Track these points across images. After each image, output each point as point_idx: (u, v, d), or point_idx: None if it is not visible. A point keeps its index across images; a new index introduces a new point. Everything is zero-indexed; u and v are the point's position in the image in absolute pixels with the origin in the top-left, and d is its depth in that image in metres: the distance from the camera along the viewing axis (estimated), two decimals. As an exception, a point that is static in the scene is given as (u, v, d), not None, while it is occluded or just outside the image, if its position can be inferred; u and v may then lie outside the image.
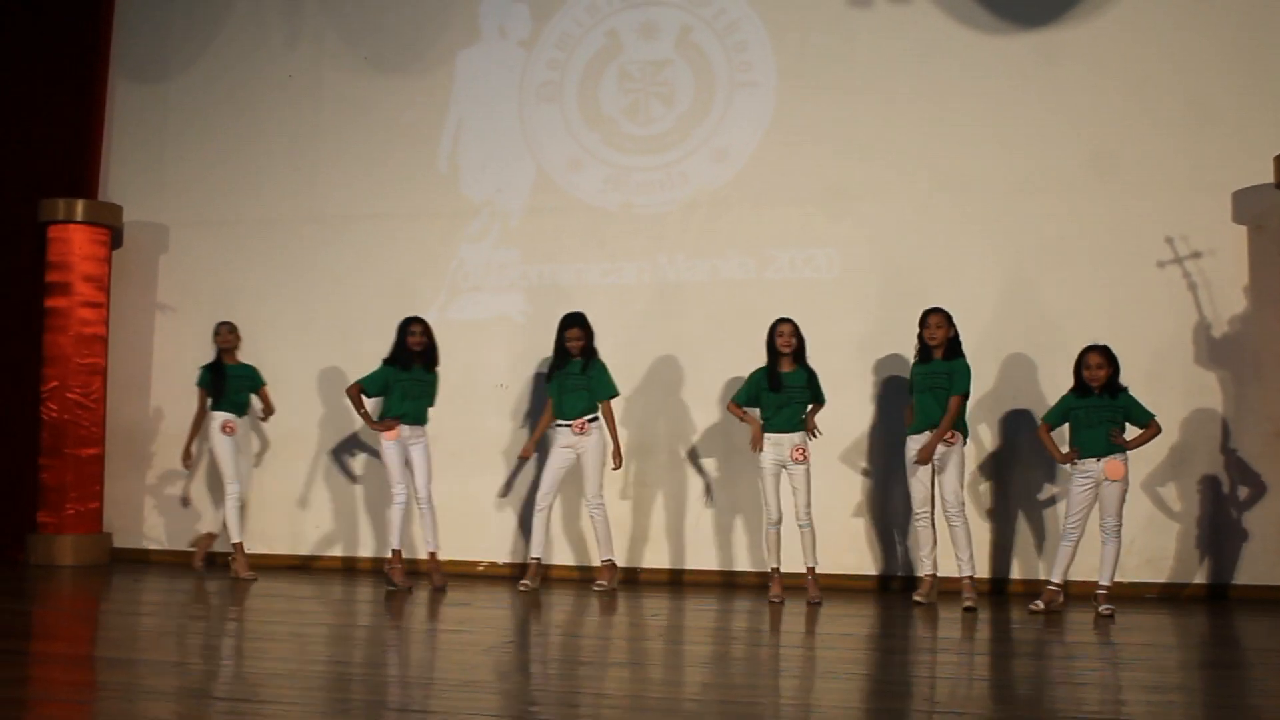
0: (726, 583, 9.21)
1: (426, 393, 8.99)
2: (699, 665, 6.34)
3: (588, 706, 5.15)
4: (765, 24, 9.77)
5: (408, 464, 8.85)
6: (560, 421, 8.73)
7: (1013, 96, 9.21)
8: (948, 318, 8.09)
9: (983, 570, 8.73)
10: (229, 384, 9.43)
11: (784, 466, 8.29)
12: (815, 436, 8.41)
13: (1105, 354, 7.75)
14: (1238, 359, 8.66)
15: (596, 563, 8.98)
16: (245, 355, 9.69)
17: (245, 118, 10.81)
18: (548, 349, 9.25)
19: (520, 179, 10.15)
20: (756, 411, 8.40)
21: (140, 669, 5.92)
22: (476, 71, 10.39)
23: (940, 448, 7.96)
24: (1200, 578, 8.57)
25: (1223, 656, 6.81)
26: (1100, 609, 7.56)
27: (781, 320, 8.35)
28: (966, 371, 8.08)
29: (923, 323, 8.14)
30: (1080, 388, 7.79)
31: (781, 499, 8.28)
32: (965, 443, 8.20)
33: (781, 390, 8.31)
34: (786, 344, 8.28)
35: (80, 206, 10.53)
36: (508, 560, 9.75)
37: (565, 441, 8.69)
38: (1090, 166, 9.00)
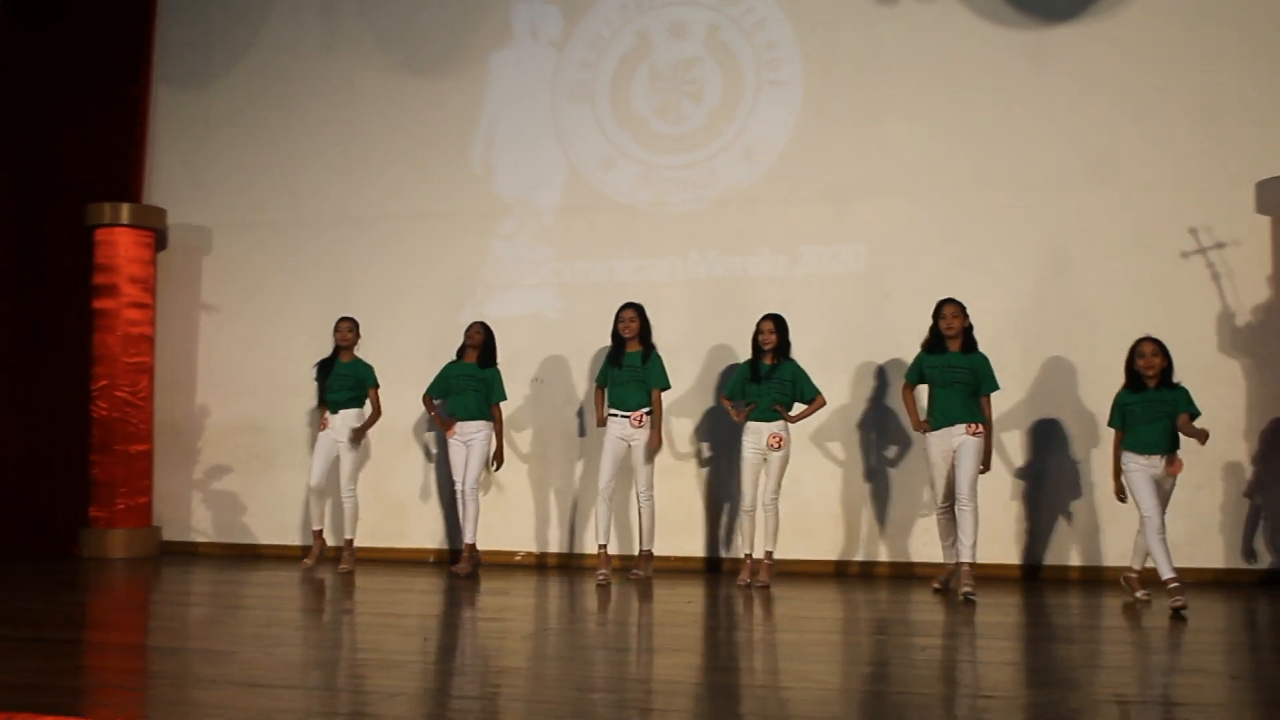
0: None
1: (479, 388, 9.14)
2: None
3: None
4: (792, 22, 9.72)
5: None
6: (616, 411, 8.65)
7: (1038, 91, 9.16)
8: (963, 309, 7.92)
9: (1013, 556, 8.83)
10: (330, 380, 9.31)
11: (764, 456, 8.27)
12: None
13: (1159, 344, 7.38)
14: (1263, 347, 8.59)
15: (634, 551, 8.98)
16: (290, 350, 9.82)
17: (283, 121, 10.84)
18: (581, 344, 9.49)
19: (553, 178, 10.14)
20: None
21: (190, 657, 5.95)
22: (509, 72, 10.38)
23: (966, 437, 7.80)
24: (1219, 562, 8.57)
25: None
26: (1173, 602, 7.05)
27: (764, 317, 8.35)
28: (990, 367, 7.92)
29: (938, 313, 7.96)
30: (1133, 382, 7.42)
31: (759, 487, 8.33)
32: (990, 430, 7.99)
33: (762, 382, 8.28)
34: (767, 340, 8.27)
35: (125, 210, 10.58)
36: (544, 550, 9.83)
37: (620, 432, 8.61)
38: (1115, 159, 8.96)
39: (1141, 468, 7.31)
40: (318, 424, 9.40)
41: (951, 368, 7.87)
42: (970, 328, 7.93)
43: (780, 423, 8.26)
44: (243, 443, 10.58)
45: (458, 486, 9.18)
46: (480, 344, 9.28)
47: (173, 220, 10.86)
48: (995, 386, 7.93)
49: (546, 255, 10.05)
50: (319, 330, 9.91)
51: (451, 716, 4.75)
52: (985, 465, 7.91)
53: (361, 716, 4.66)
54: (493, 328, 9.33)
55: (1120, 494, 7.53)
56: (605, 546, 8.64)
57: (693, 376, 9.46)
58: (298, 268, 10.47)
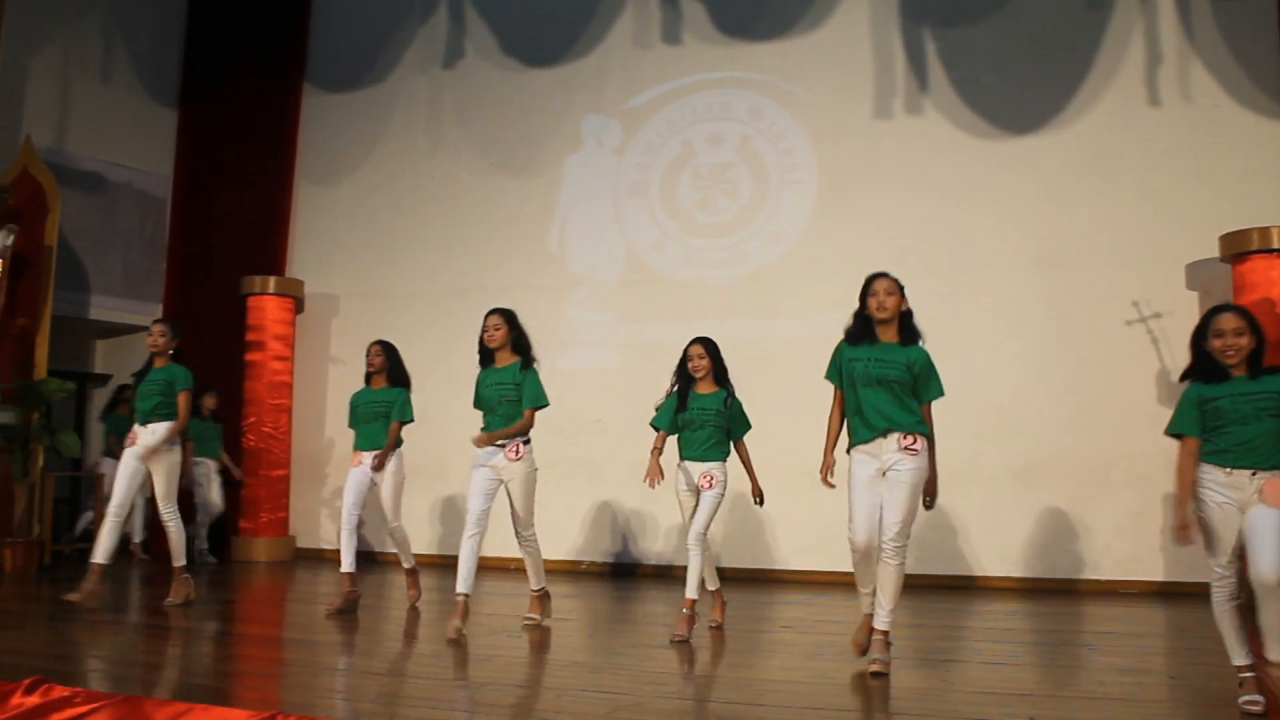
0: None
1: (387, 413, 7.38)
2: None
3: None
4: (808, 133, 9.92)
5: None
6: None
7: (1006, 187, 9.28)
8: (900, 287, 5.31)
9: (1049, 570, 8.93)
10: (140, 387, 7.35)
11: (695, 495, 6.38)
12: (757, 502, 6.48)
13: (1243, 316, 4.46)
14: None
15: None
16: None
17: (398, 210, 11.12)
18: (636, 391, 9.14)
19: (614, 257, 10.36)
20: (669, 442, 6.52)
21: (320, 649, 6.03)
22: (579, 173, 10.63)
23: (899, 456, 5.16)
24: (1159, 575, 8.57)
25: None
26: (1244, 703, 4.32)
27: (692, 341, 6.58)
28: (934, 366, 5.31)
29: (868, 291, 5.31)
30: (1209, 369, 4.47)
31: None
32: (931, 447, 5.28)
33: (689, 411, 6.40)
34: (698, 367, 6.45)
35: (272, 282, 10.95)
36: (604, 559, 10.11)
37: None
38: (1069, 244, 9.04)
39: (1226, 493, 4.30)
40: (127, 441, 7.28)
41: (883, 362, 5.21)
42: (909, 313, 5.34)
43: (716, 463, 6.35)
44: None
45: (348, 514, 7.21)
46: (382, 366, 7.46)
47: (309, 290, 11.22)
48: (940, 391, 5.30)
49: (608, 320, 10.25)
50: (424, 379, 10.21)
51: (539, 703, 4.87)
52: (930, 498, 5.29)
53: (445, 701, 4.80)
54: (564, 378, 8.97)
55: (1187, 532, 4.39)
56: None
57: None
58: (407, 329, 10.56)
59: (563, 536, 9.78)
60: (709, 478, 6.33)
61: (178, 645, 5.80)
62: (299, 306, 11.21)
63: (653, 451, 6.38)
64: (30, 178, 10.03)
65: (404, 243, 11.05)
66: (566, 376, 9.58)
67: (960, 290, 9.23)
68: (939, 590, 8.53)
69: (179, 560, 7.28)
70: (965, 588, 8.74)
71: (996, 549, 8.96)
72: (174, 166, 11.95)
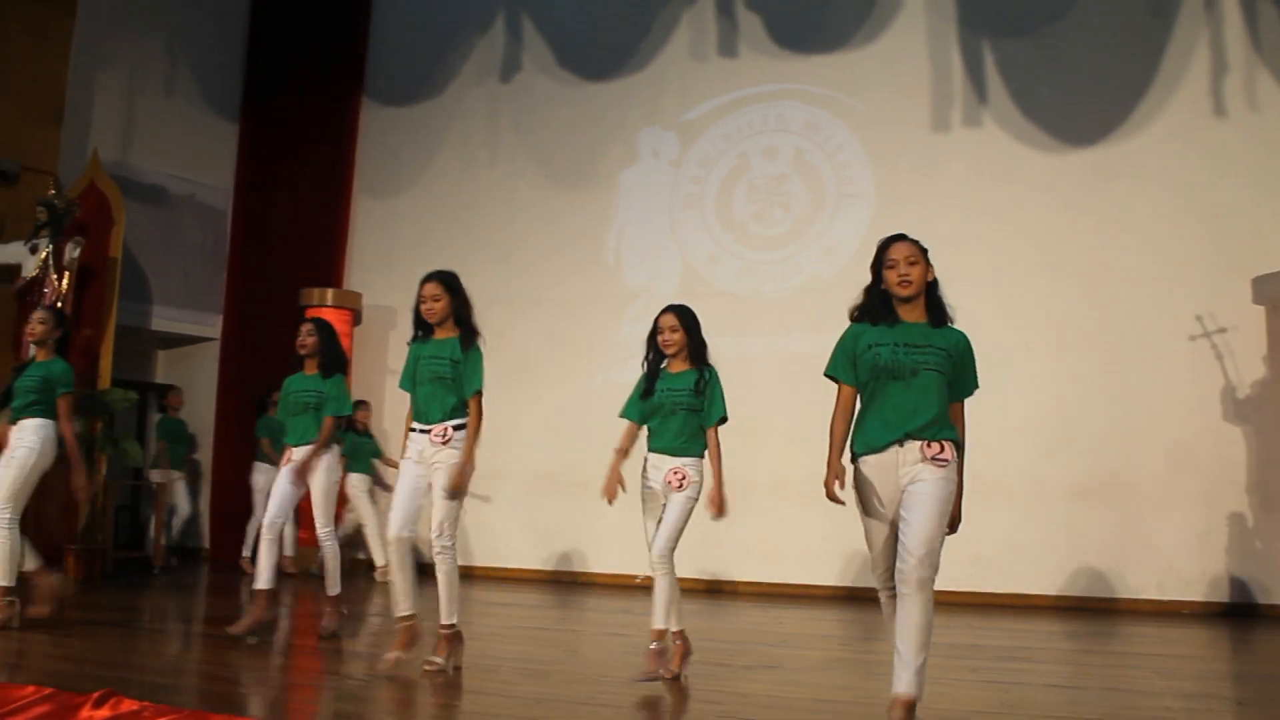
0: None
1: (319, 404, 6.45)
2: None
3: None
4: (864, 146, 9.90)
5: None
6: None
7: (1067, 200, 9.19)
8: (923, 251, 4.25)
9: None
10: (15, 384, 6.43)
11: (662, 499, 5.27)
12: (715, 514, 5.26)
13: None
14: (1260, 415, 8.51)
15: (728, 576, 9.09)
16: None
17: (455, 223, 11.18)
18: None
19: (670, 270, 10.37)
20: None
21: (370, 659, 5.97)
22: (635, 185, 10.66)
23: (924, 467, 4.00)
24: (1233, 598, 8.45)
25: None
26: None
27: (664, 310, 5.46)
28: (973, 353, 4.19)
29: (883, 261, 4.26)
30: None
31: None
32: (962, 457, 4.11)
33: (657, 394, 5.30)
34: (668, 342, 5.35)
35: (330, 293, 11.04)
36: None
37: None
38: (1130, 257, 8.93)
39: None
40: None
41: (916, 348, 4.08)
42: (937, 285, 4.23)
43: (689, 459, 5.26)
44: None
45: (270, 521, 6.18)
46: (314, 347, 6.41)
47: (367, 302, 11.29)
48: (976, 383, 4.20)
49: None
50: (487, 390, 10.33)
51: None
52: (954, 520, 4.08)
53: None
54: (620, 391, 7.81)
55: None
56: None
57: (784, 437, 9.45)
58: None
59: (623, 550, 9.75)
60: (679, 475, 5.22)
61: (244, 658, 5.75)
62: (357, 318, 11.29)
63: (616, 452, 5.30)
64: (97, 190, 10.20)
65: (461, 255, 11.01)
66: (622, 390, 9.47)
67: (1017, 303, 9.15)
68: (994, 609, 8.44)
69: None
70: (1021, 606, 8.63)
71: (1053, 567, 8.84)
72: (234, 179, 12.13)
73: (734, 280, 10.16)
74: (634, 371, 9.75)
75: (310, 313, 10.92)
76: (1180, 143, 8.98)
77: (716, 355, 9.39)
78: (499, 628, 7.42)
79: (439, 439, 5.27)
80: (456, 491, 5.22)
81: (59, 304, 9.45)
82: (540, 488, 10.34)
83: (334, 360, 6.44)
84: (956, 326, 4.19)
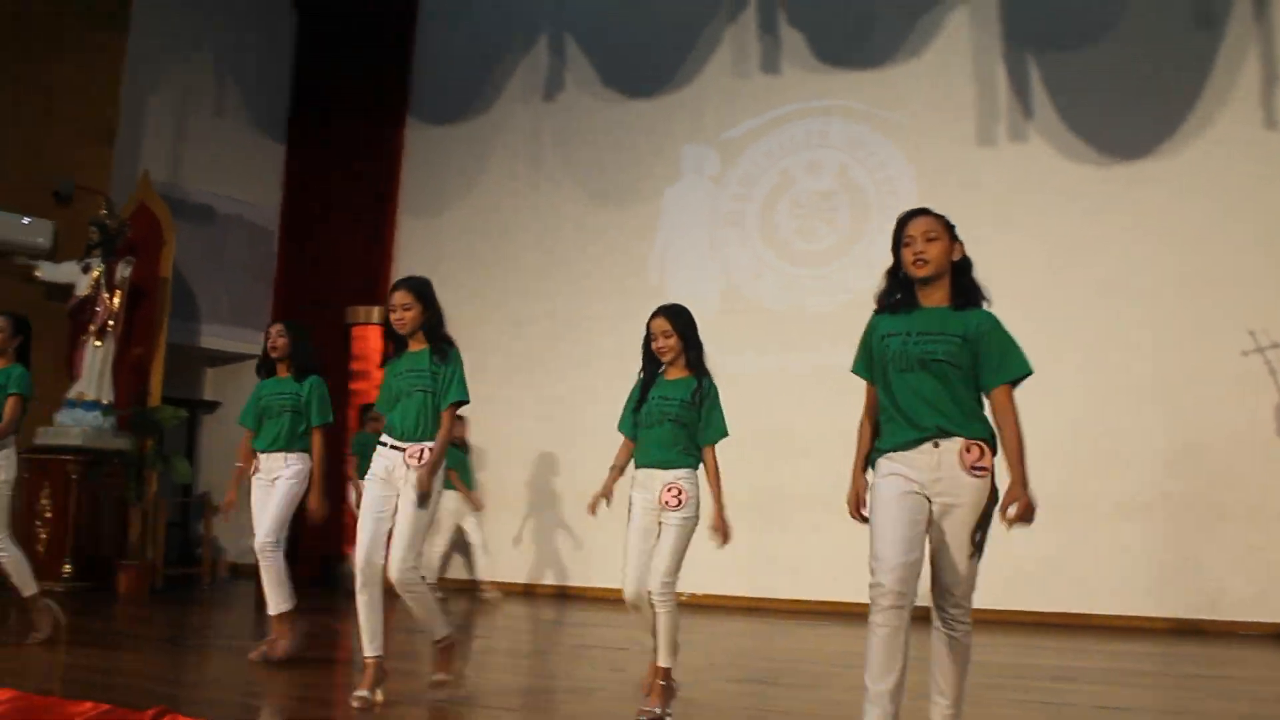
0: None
1: (295, 408, 5.98)
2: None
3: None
4: (909, 161, 9.85)
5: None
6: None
7: (1116, 215, 9.10)
8: (947, 226, 3.72)
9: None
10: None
11: (658, 519, 4.69)
12: (720, 540, 4.75)
13: None
14: None
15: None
16: (507, 422, 10.26)
17: (498, 241, 11.24)
18: (735, 423, 8.74)
19: (712, 287, 10.35)
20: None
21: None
22: (678, 202, 10.67)
23: (959, 476, 3.48)
24: None
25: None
26: None
27: (655, 313, 4.91)
28: (1005, 333, 3.62)
29: (900, 239, 3.69)
30: None
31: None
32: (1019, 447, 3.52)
33: (648, 403, 4.78)
34: (662, 349, 4.82)
35: (375, 311, 11.00)
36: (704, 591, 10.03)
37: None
38: (1180, 272, 8.82)
39: None
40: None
41: (926, 335, 3.58)
42: (966, 265, 3.73)
43: (683, 471, 4.67)
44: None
45: (258, 544, 5.81)
46: (286, 349, 5.98)
47: (412, 320, 11.44)
48: (1023, 368, 3.56)
49: (707, 350, 10.23)
50: (529, 408, 10.40)
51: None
52: (1020, 515, 3.45)
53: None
54: None
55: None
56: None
57: (829, 453, 9.50)
58: (510, 357, 10.81)
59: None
60: (674, 493, 4.62)
61: (298, 675, 5.74)
62: (402, 336, 11.31)
63: (611, 470, 4.89)
64: (148, 211, 10.37)
65: (505, 273, 11.18)
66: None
67: (1064, 318, 9.06)
68: (1043, 628, 8.35)
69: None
70: (1071, 625, 8.53)
71: (1104, 586, 8.71)
72: (281, 199, 12.28)
73: (777, 296, 10.15)
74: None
75: (356, 330, 11.04)
76: (1230, 155, 8.86)
77: (759, 374, 9.28)
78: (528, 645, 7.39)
79: (414, 460, 4.78)
80: (425, 495, 4.71)
81: (110, 323, 9.61)
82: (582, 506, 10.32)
83: (307, 362, 6.00)
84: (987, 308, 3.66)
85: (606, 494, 4.80)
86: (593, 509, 4.78)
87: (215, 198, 11.77)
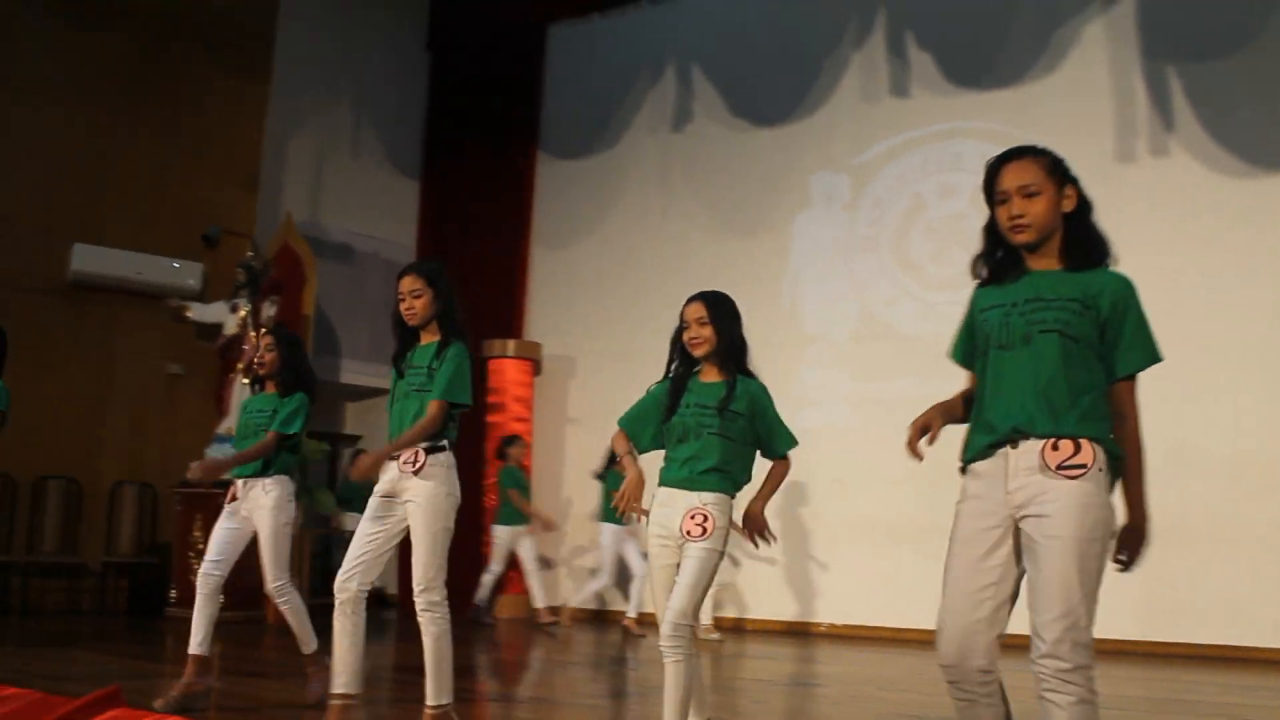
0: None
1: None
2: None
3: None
4: None
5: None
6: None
7: (1264, 227, 8.79)
8: (1056, 165, 3.00)
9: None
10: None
11: (679, 547, 3.81)
12: (763, 543, 3.94)
13: None
14: None
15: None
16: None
17: (631, 272, 11.31)
18: (873, 449, 8.83)
19: (847, 314, 10.26)
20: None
21: (558, 712, 5.93)
22: (809, 230, 10.61)
23: (1052, 483, 2.68)
24: None
25: None
26: None
27: (690, 299, 4.05)
28: (1139, 307, 2.89)
29: (993, 193, 3.00)
30: None
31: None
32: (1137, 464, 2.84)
33: (684, 410, 3.92)
34: (695, 339, 3.95)
35: (511, 345, 11.30)
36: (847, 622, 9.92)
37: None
38: None
39: None
40: None
41: (1031, 304, 2.86)
42: (1082, 215, 2.98)
43: (711, 495, 3.83)
44: (598, 527, 10.98)
45: (205, 573, 5.15)
46: (274, 365, 5.37)
47: (547, 352, 11.49)
48: (1154, 354, 2.87)
49: (843, 377, 10.13)
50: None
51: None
52: (1130, 551, 2.77)
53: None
54: (800, 438, 5.07)
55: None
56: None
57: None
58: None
59: (810, 596, 9.64)
60: (698, 520, 3.78)
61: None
62: (537, 368, 11.49)
63: (625, 455, 4.13)
64: (291, 251, 10.70)
65: (638, 303, 11.19)
66: (802, 436, 9.27)
67: (1214, 338, 8.75)
68: (1193, 661, 8.02)
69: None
70: (1224, 659, 8.18)
71: (1258, 617, 8.34)
72: (416, 235, 12.56)
73: (913, 322, 9.99)
74: (815, 417, 9.81)
75: (492, 362, 11.19)
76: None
77: (896, 400, 9.14)
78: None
79: (409, 466, 4.21)
80: (357, 468, 4.25)
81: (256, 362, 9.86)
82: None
83: (296, 377, 5.36)
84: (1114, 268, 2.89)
85: (637, 499, 3.92)
86: (627, 510, 3.89)
87: (354, 235, 12.10)
